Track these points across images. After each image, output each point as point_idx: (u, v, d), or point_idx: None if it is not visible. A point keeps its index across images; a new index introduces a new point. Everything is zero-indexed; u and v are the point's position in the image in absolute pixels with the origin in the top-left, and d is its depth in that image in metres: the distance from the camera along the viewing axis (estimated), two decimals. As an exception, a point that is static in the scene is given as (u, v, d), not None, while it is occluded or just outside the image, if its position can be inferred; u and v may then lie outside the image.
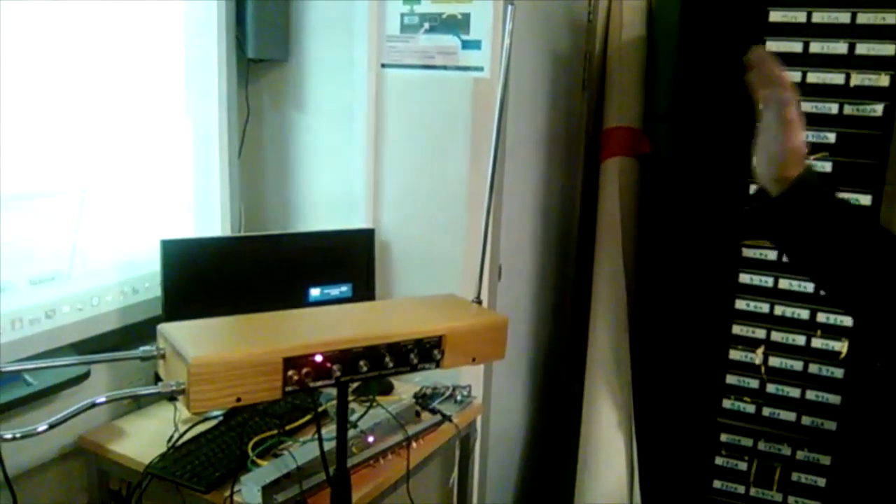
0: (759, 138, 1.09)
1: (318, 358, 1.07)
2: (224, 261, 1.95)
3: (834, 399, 2.01)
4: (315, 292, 2.07)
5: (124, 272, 1.92)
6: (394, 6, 2.05)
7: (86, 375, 1.76)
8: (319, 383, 1.08)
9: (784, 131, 1.04)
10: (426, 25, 2.01)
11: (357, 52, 2.12)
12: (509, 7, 1.33)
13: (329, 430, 1.51)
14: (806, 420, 2.05)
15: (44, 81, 1.68)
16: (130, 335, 1.91)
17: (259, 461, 1.63)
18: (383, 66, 2.09)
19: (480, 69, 1.98)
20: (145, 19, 1.90)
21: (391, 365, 1.13)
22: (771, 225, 1.09)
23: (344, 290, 2.11)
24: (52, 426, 0.94)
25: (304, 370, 1.06)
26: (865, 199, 1.91)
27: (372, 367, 1.12)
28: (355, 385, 1.96)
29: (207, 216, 2.14)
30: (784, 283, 2.01)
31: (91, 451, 1.81)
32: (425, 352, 1.16)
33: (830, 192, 1.08)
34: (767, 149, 1.06)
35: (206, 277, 1.91)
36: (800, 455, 2.06)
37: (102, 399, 0.98)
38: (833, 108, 1.92)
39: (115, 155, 1.87)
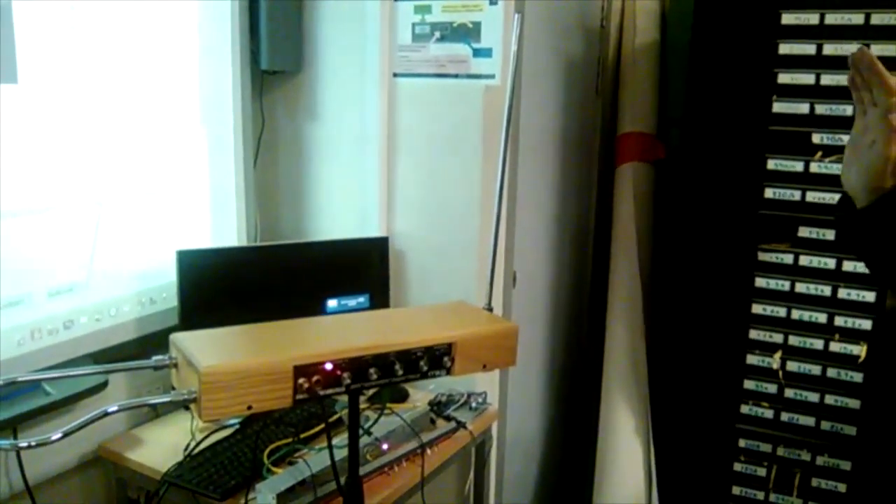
0: (851, 144, 1.03)
1: (329, 366, 1.08)
2: (240, 271, 1.96)
3: (853, 403, 1.99)
4: (332, 303, 2.08)
5: (141, 283, 1.94)
6: (405, 16, 2.06)
7: (104, 385, 1.78)
8: (330, 391, 1.09)
9: (885, 139, 0.97)
10: (437, 34, 2.02)
11: (369, 61, 2.14)
12: (516, 16, 1.34)
13: (343, 437, 1.52)
14: (825, 425, 2.03)
15: (60, 94, 1.70)
16: (148, 345, 1.93)
17: (274, 469, 1.64)
18: (395, 75, 2.11)
19: (492, 77, 1.99)
20: (160, 32, 1.93)
21: (401, 372, 1.14)
22: (859, 235, 1.04)
23: (361, 300, 2.12)
24: (65, 434, 0.95)
25: (315, 378, 1.06)
26: (882, 202, 1.89)
27: (382, 374, 1.13)
28: (370, 392, 1.96)
29: (223, 226, 2.16)
30: (801, 287, 2.00)
31: (109, 460, 1.83)
32: (435, 359, 1.17)
33: None
34: (864, 157, 1.00)
35: (222, 287, 1.92)
36: (819, 460, 2.04)
37: (115, 408, 0.99)
38: (848, 110, 1.90)
39: (132, 166, 1.89)
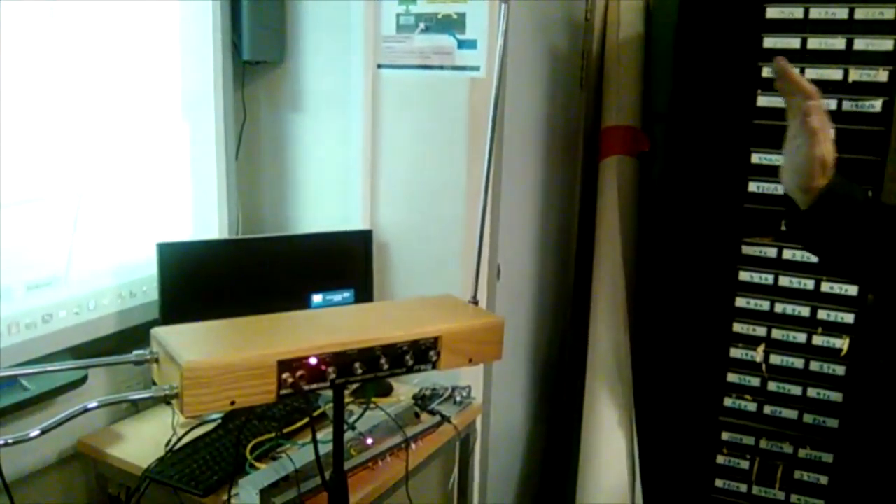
0: (785, 149, 1.07)
1: (313, 360, 1.06)
2: (221, 264, 1.94)
3: (836, 396, 2.00)
4: (317, 298, 2.06)
5: (121, 276, 1.92)
6: (389, 6, 2.04)
7: (83, 380, 1.75)
8: (314, 386, 1.08)
9: (809, 141, 1.01)
10: (422, 25, 2.01)
11: (353, 52, 2.12)
12: (503, 6, 1.33)
13: (327, 432, 1.50)
14: (808, 418, 2.04)
15: (39, 85, 1.67)
16: (128, 339, 1.91)
17: (257, 464, 1.62)
18: (379, 66, 2.09)
19: (477, 69, 1.97)
20: (140, 22, 1.90)
21: (386, 367, 1.13)
22: (804, 234, 1.07)
23: (346, 295, 2.11)
24: (44, 431, 0.93)
25: (299, 373, 1.05)
26: (865, 196, 1.90)
27: (367, 369, 1.11)
28: (354, 387, 1.95)
29: (204, 219, 2.14)
30: (784, 281, 2.00)
31: (90, 456, 1.81)
32: (421, 353, 1.16)
33: (863, 196, 1.05)
34: (794, 160, 1.04)
35: (203, 281, 1.90)
36: (802, 453, 2.05)
37: (94, 404, 0.97)
38: (832, 104, 1.91)
39: (112, 158, 1.86)
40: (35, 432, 0.93)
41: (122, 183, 1.90)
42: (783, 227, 1.08)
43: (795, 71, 1.03)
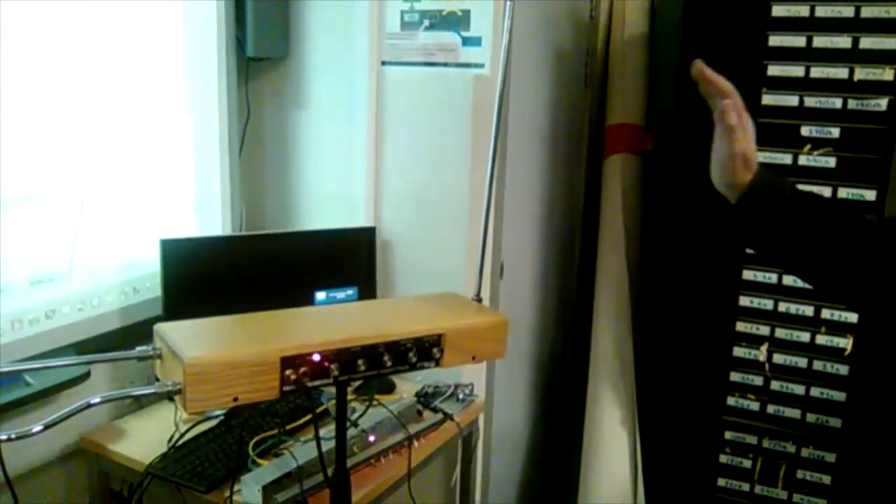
0: (713, 147, 1.11)
1: (316, 357, 1.06)
2: (224, 260, 1.94)
3: (839, 396, 1.99)
4: (321, 296, 2.06)
5: (125, 272, 1.92)
6: (394, 3, 2.04)
7: (86, 376, 1.75)
8: (317, 383, 1.08)
9: (726, 138, 1.05)
10: (426, 22, 2.00)
11: (357, 49, 2.11)
12: (508, 3, 1.32)
13: (329, 429, 1.50)
14: (811, 417, 2.03)
15: (44, 81, 1.67)
16: (131, 335, 1.91)
17: (259, 461, 1.62)
18: (384, 63, 2.08)
19: (481, 66, 1.97)
20: (145, 19, 1.90)
21: (390, 364, 1.13)
22: (736, 229, 1.11)
23: (350, 293, 2.11)
24: (47, 426, 0.93)
25: (302, 370, 1.05)
26: (870, 195, 1.89)
27: (370, 366, 1.11)
28: (356, 384, 1.95)
29: (208, 215, 2.14)
30: (788, 280, 2.00)
31: (92, 452, 1.81)
32: (424, 350, 1.16)
33: (790, 188, 1.08)
34: (716, 154, 1.09)
35: (206, 277, 1.90)
36: (805, 452, 2.05)
37: (98, 399, 0.97)
38: (837, 102, 1.90)
39: (116, 154, 1.86)
40: (38, 427, 0.93)
41: (126, 179, 1.90)
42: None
43: (711, 72, 1.06)
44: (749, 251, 2.02)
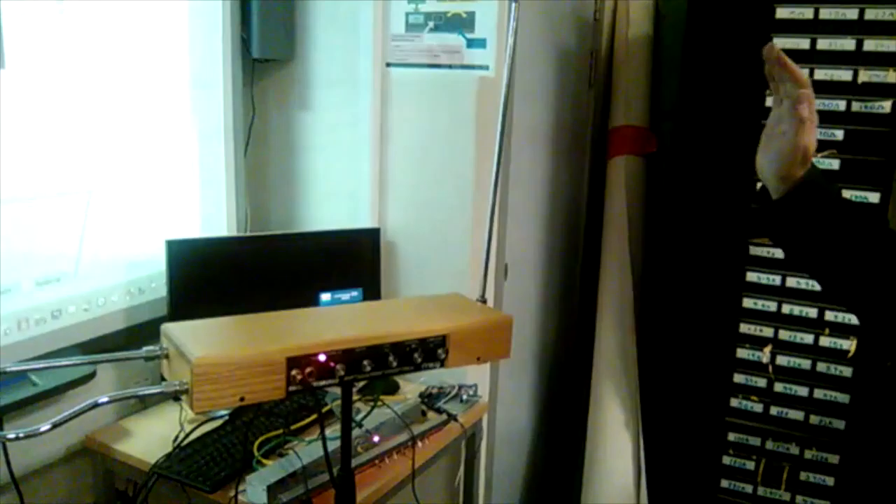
0: (765, 133, 1.07)
1: (322, 357, 1.07)
2: (230, 261, 1.94)
3: (842, 398, 2.00)
4: (325, 297, 2.07)
5: (130, 272, 1.93)
6: (398, 5, 2.04)
7: (91, 375, 1.76)
8: (323, 383, 1.08)
9: (795, 129, 1.01)
10: (431, 24, 2.01)
11: (362, 51, 2.12)
12: (513, 4, 1.33)
13: (334, 429, 1.51)
14: (814, 419, 2.03)
15: (50, 82, 1.68)
16: (137, 335, 1.92)
17: (264, 461, 1.63)
18: (388, 65, 2.09)
19: (486, 68, 1.97)
20: (150, 20, 1.90)
21: (395, 364, 1.13)
22: (774, 224, 1.08)
23: (355, 294, 2.11)
24: (55, 426, 0.94)
25: (308, 370, 1.05)
26: (874, 197, 1.90)
27: (376, 366, 1.12)
28: (361, 385, 1.95)
29: (213, 216, 2.14)
30: (791, 282, 2.00)
31: (97, 451, 1.81)
32: (429, 351, 1.16)
33: (836, 192, 1.07)
34: (775, 145, 1.04)
35: (211, 278, 1.91)
36: (808, 454, 2.05)
37: (105, 399, 0.98)
38: (841, 104, 1.90)
39: (121, 155, 1.87)
40: (46, 427, 0.94)
41: (132, 180, 1.90)
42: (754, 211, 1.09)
43: (788, 58, 1.01)
44: (757, 250, 2.03)
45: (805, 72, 1.03)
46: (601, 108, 2.61)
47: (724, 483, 2.16)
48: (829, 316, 1.98)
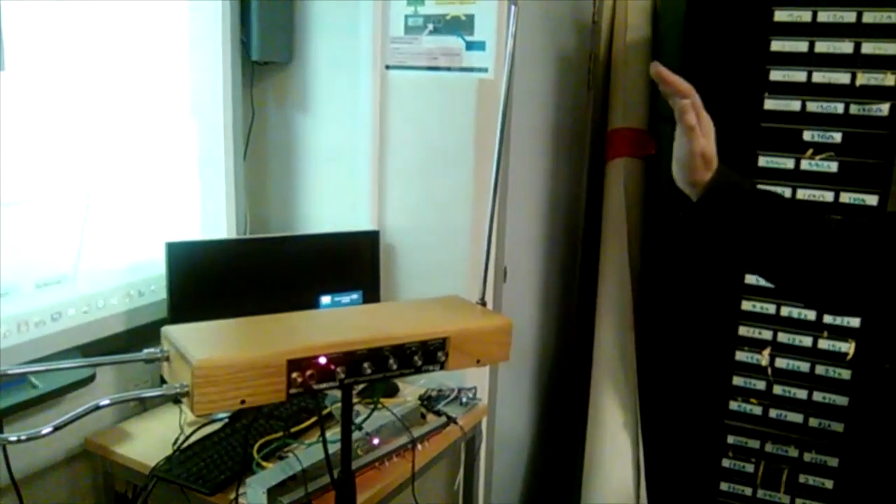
0: (674, 145, 1.12)
1: (322, 360, 1.07)
2: (229, 263, 1.95)
3: (841, 400, 2.00)
4: (326, 300, 2.07)
5: (130, 275, 1.93)
6: (398, 8, 2.04)
7: (91, 378, 1.76)
8: (323, 385, 1.08)
9: (686, 137, 1.07)
10: (430, 27, 2.01)
11: (361, 53, 2.12)
12: (512, 7, 1.33)
13: (334, 432, 1.51)
14: (813, 422, 2.04)
15: (49, 84, 1.68)
16: (136, 338, 1.91)
17: (264, 463, 1.63)
18: (387, 67, 2.09)
19: (485, 70, 1.98)
20: (150, 22, 1.90)
21: (395, 367, 1.13)
22: (696, 228, 1.13)
23: (355, 297, 2.11)
24: (56, 428, 0.94)
25: (308, 372, 1.06)
26: (872, 199, 1.90)
27: (376, 369, 1.12)
28: (360, 387, 1.95)
29: (212, 218, 2.14)
30: (790, 284, 2.00)
31: (97, 454, 1.81)
32: (430, 354, 1.16)
33: (749, 188, 1.10)
34: (678, 153, 1.10)
35: (211, 280, 1.91)
36: (807, 457, 2.05)
37: (107, 401, 0.98)
38: (839, 107, 1.91)
39: (121, 158, 1.87)
40: (47, 429, 0.94)
41: (131, 182, 1.90)
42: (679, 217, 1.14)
43: (669, 72, 1.07)
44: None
45: (685, 81, 1.08)
46: (600, 111, 2.62)
47: (724, 486, 2.17)
48: (828, 318, 1.98)
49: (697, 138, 1.06)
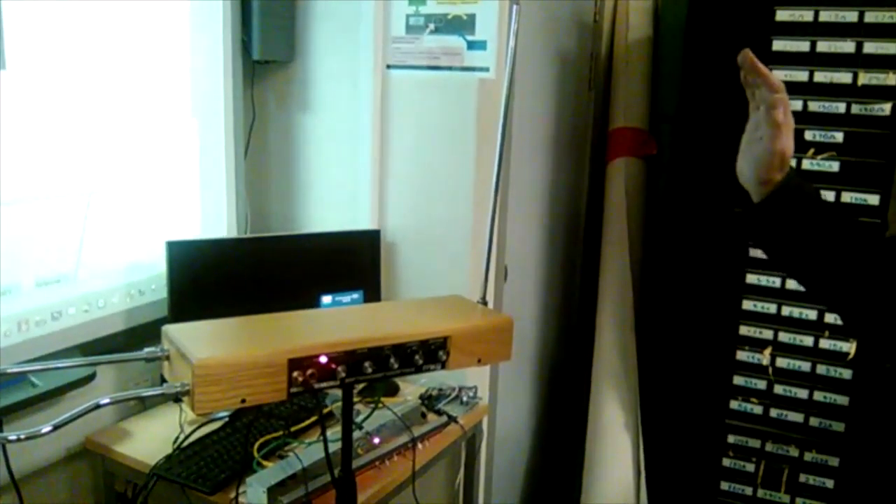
0: (745, 139, 1.09)
1: (323, 359, 1.07)
2: (230, 262, 1.94)
3: (842, 400, 2.00)
4: (327, 300, 2.07)
5: (131, 274, 1.92)
6: (399, 7, 2.04)
7: (91, 377, 1.76)
8: (324, 385, 1.08)
9: (771, 133, 1.03)
10: (431, 26, 2.01)
11: (362, 53, 2.12)
12: (514, 7, 1.33)
13: (334, 431, 1.51)
14: (814, 421, 2.04)
15: (50, 83, 1.68)
16: (137, 337, 1.91)
17: (264, 462, 1.63)
18: (389, 67, 2.09)
19: (486, 70, 1.97)
20: (151, 21, 1.90)
21: (396, 366, 1.13)
22: (756, 227, 1.10)
23: (355, 297, 2.11)
24: (56, 427, 0.93)
25: (309, 371, 1.05)
26: (873, 199, 1.90)
27: (377, 368, 1.12)
28: (361, 386, 1.95)
29: (213, 217, 2.14)
30: (792, 284, 2.00)
31: (97, 453, 1.81)
32: (431, 353, 1.16)
33: (815, 194, 1.08)
34: (754, 150, 1.06)
35: (212, 279, 1.90)
36: (808, 456, 2.05)
37: (107, 400, 0.98)
38: (840, 107, 1.91)
39: (122, 157, 1.87)
40: (47, 428, 0.94)
41: (132, 181, 1.90)
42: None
43: (759, 63, 1.04)
44: (757, 252, 2.03)
45: (780, 77, 1.05)
46: (601, 111, 2.62)
47: (724, 485, 2.16)
48: (829, 318, 1.98)
49: (782, 136, 1.03)
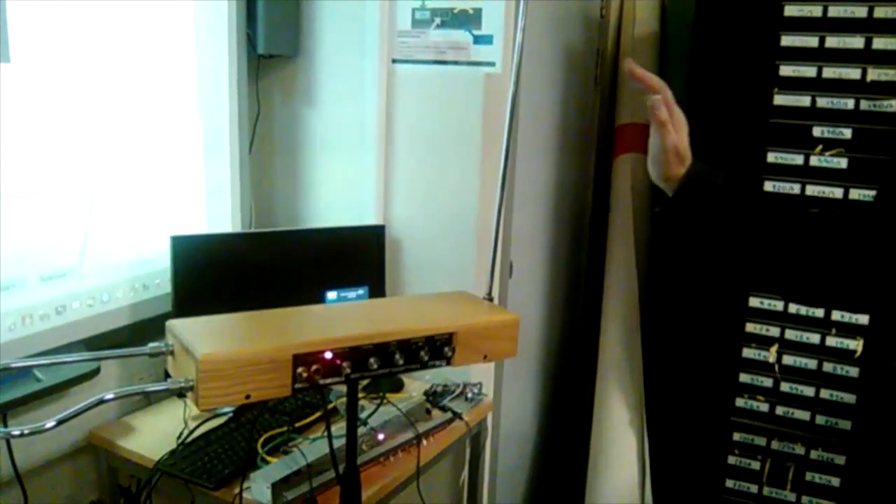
0: (649, 142, 1.14)
1: (328, 355, 1.06)
2: (234, 257, 1.94)
3: (849, 398, 1.99)
4: (332, 295, 2.06)
5: (135, 268, 1.92)
6: (405, 1, 2.03)
7: (96, 372, 1.76)
8: (329, 381, 1.07)
9: (658, 132, 1.08)
10: (437, 20, 2.00)
11: (368, 47, 2.11)
12: (521, 2, 1.32)
13: (339, 427, 1.50)
14: (820, 419, 2.03)
15: (55, 78, 1.68)
16: (141, 332, 1.91)
17: (269, 458, 1.62)
18: (394, 61, 2.08)
19: (492, 64, 1.96)
20: (156, 16, 1.90)
21: (402, 362, 1.12)
22: (673, 222, 1.15)
23: (361, 293, 2.11)
24: (60, 422, 0.93)
25: (314, 367, 1.05)
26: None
27: (382, 364, 1.11)
28: (365, 382, 1.95)
29: (218, 212, 2.14)
30: (799, 281, 1.99)
31: (101, 448, 1.81)
32: (436, 349, 1.15)
33: (721, 182, 1.12)
34: (652, 151, 1.12)
35: (216, 274, 1.90)
36: (814, 454, 2.04)
37: (111, 395, 0.97)
38: (849, 103, 1.89)
39: (126, 151, 1.86)
40: (51, 423, 0.93)
41: (137, 175, 1.90)
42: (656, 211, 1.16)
43: (640, 69, 1.09)
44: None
45: (656, 77, 1.10)
46: (607, 107, 2.61)
47: (730, 483, 2.16)
48: (836, 315, 1.97)
49: (669, 133, 1.08)
